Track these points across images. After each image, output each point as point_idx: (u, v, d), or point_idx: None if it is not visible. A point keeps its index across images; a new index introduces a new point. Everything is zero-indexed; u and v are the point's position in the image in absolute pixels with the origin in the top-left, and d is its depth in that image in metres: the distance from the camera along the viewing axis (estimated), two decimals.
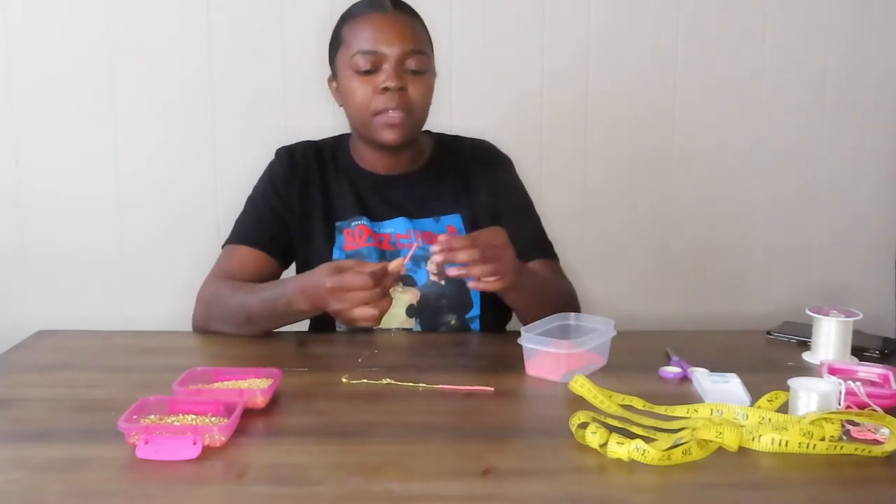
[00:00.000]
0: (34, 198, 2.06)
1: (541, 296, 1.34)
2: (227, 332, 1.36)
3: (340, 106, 1.43)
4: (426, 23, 1.43)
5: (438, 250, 1.17)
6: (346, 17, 1.41)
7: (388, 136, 1.37)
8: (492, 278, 1.19)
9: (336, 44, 1.42)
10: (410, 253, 1.25)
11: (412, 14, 1.41)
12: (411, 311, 1.40)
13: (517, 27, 2.09)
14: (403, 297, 1.38)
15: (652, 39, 2.13)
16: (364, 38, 1.35)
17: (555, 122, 2.13)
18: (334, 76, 1.44)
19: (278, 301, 1.28)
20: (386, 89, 1.34)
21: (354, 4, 1.42)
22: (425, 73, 1.38)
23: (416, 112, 1.38)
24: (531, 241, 1.48)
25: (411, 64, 1.35)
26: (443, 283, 1.25)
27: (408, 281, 1.40)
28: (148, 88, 2.04)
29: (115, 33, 2.02)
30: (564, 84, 2.12)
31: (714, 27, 2.14)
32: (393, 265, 1.18)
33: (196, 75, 2.04)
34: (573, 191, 2.12)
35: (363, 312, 1.16)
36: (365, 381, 1.13)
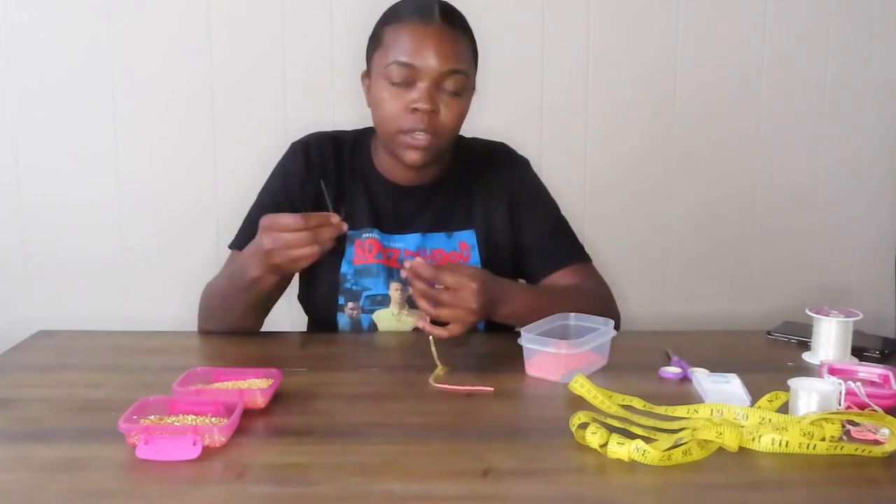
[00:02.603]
0: (34, 198, 2.07)
1: (560, 310, 1.27)
2: (220, 327, 1.36)
3: (369, 106, 1.37)
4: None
5: (407, 267, 1.18)
6: (390, 18, 1.32)
7: (411, 156, 1.31)
8: (438, 327, 1.19)
9: (375, 42, 1.34)
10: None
11: (460, 27, 1.32)
12: (416, 331, 1.39)
13: (517, 27, 2.09)
14: (409, 321, 1.37)
15: (652, 39, 2.13)
16: (403, 48, 1.27)
17: (554, 122, 2.13)
18: (368, 74, 1.36)
19: (237, 271, 1.29)
20: (416, 110, 1.27)
21: (402, 4, 1.34)
22: (461, 95, 1.30)
23: (444, 136, 1.31)
24: (557, 246, 1.45)
25: (448, 85, 1.28)
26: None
27: (414, 303, 1.39)
28: (148, 88, 2.04)
29: (115, 33, 2.02)
30: (564, 84, 2.12)
31: (714, 27, 2.14)
32: (335, 217, 1.19)
33: (196, 75, 2.04)
34: (572, 191, 2.12)
35: (295, 252, 1.17)
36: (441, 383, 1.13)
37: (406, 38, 1.28)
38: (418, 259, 1.19)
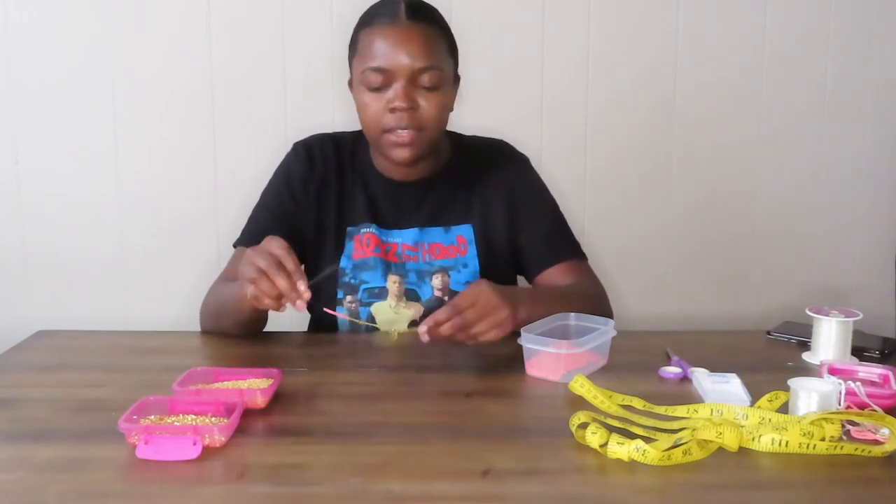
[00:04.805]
0: (34, 198, 2.06)
1: (560, 310, 1.27)
2: (219, 329, 1.36)
3: (358, 111, 1.37)
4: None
5: (424, 332, 1.16)
6: (362, 23, 1.35)
7: (399, 154, 1.33)
8: (488, 333, 1.18)
9: (352, 49, 1.37)
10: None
11: (430, 21, 1.34)
12: (413, 326, 1.39)
13: (517, 27, 2.09)
14: (406, 313, 1.38)
15: (652, 39, 2.13)
16: (374, 52, 1.29)
17: (554, 122, 2.13)
18: (351, 81, 1.38)
19: (235, 284, 1.26)
20: (395, 109, 1.29)
21: (372, 7, 1.36)
22: (439, 88, 1.32)
23: (428, 130, 1.33)
24: (554, 242, 1.45)
25: (424, 80, 1.30)
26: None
27: (411, 296, 1.39)
28: (148, 88, 2.04)
29: (115, 33, 2.02)
30: (564, 84, 2.12)
31: (714, 27, 2.14)
32: (305, 293, 1.13)
33: (196, 75, 2.04)
34: (572, 191, 2.12)
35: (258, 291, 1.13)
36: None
37: (376, 41, 1.30)
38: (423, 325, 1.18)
